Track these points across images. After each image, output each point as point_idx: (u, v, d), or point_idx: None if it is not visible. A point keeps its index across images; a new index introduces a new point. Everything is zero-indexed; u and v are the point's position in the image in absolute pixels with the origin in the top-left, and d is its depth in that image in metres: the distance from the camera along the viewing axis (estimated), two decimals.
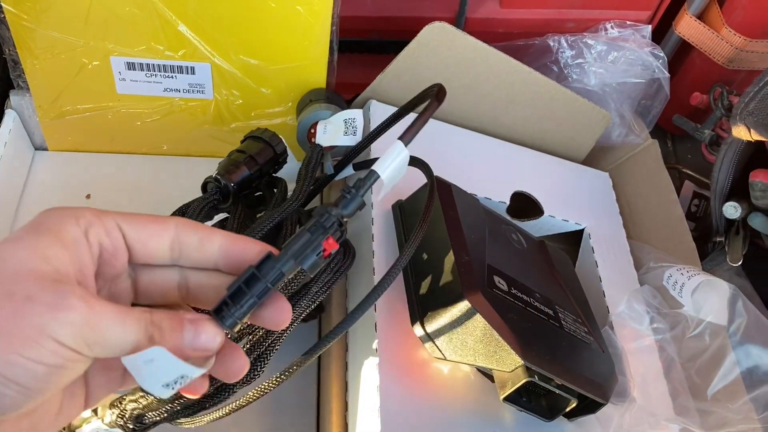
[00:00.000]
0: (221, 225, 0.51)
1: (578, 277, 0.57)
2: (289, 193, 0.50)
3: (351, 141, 0.54)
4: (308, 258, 0.30)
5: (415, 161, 0.48)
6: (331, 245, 0.30)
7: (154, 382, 0.28)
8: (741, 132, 0.53)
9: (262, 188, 0.54)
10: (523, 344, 0.42)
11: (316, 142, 0.54)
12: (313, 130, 0.56)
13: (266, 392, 0.38)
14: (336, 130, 0.54)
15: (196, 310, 0.33)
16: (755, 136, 0.52)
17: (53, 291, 0.26)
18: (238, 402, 0.39)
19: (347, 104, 0.61)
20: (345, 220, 0.31)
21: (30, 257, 0.26)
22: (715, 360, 0.51)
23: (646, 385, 0.51)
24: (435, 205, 0.50)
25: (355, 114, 0.55)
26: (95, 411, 0.40)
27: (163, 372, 0.28)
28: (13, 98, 0.60)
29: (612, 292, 0.57)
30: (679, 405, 0.51)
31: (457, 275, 0.43)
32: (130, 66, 0.56)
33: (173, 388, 0.29)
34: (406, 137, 0.34)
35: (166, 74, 0.57)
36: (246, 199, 0.52)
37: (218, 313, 0.30)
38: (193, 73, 0.57)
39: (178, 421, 0.39)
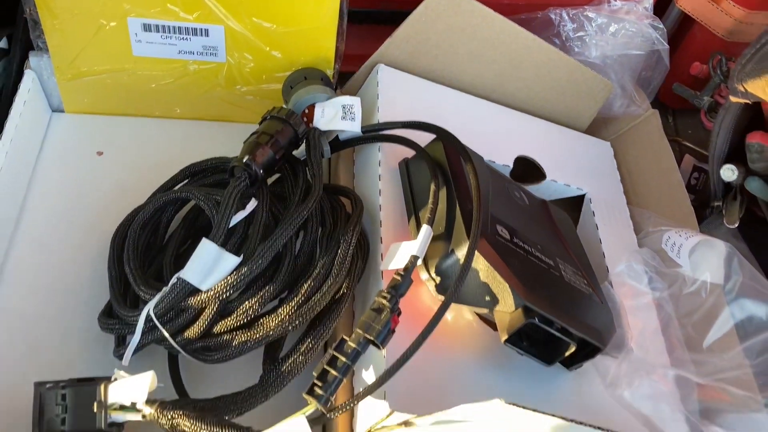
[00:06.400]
0: (251, 215, 0.48)
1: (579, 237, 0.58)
2: None
3: (350, 126, 0.53)
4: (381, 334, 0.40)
5: (433, 129, 0.50)
6: (396, 322, 0.41)
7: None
8: (738, 94, 0.54)
9: (281, 169, 0.53)
10: (524, 284, 0.43)
11: (315, 126, 0.53)
12: (307, 111, 0.56)
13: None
14: (334, 114, 0.54)
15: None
16: (752, 98, 0.53)
17: None
18: None
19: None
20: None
21: None
22: (711, 314, 0.52)
23: (644, 341, 0.52)
24: (440, 156, 0.52)
25: (354, 101, 0.54)
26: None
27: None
28: (33, 59, 0.61)
29: (612, 255, 0.58)
30: (675, 358, 0.52)
31: (461, 222, 0.45)
32: (147, 27, 0.58)
33: None
34: None
35: (181, 36, 0.58)
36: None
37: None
38: (206, 35, 0.58)
39: None
